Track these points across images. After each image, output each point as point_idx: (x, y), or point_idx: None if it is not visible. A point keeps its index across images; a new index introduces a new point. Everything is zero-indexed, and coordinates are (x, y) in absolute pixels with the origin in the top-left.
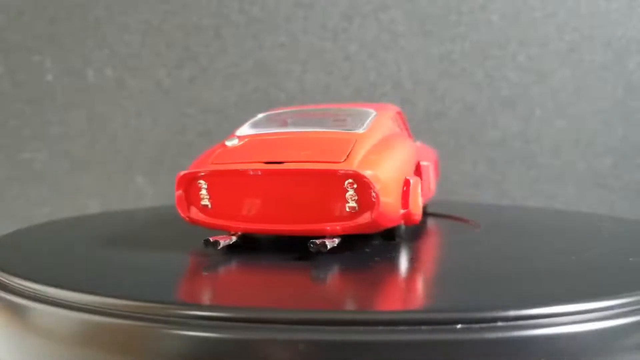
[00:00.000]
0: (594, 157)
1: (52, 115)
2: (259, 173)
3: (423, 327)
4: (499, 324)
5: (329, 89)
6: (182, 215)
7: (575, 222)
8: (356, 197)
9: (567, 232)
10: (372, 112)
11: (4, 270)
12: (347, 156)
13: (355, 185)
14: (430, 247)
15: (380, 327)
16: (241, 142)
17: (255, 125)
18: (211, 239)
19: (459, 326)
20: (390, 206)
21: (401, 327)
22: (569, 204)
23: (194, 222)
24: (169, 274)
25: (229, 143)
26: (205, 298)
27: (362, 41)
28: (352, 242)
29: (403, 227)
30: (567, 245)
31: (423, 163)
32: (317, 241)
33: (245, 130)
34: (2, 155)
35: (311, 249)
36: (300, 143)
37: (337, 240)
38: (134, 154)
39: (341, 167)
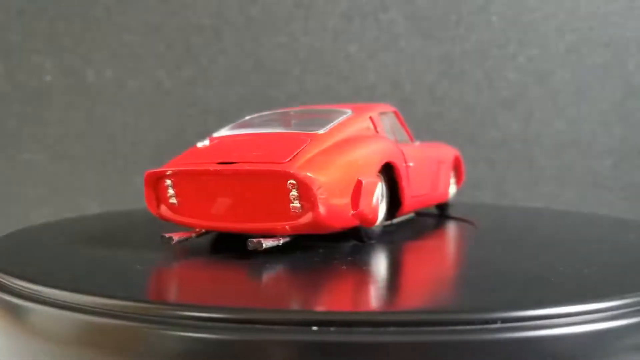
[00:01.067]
0: (593, 157)
1: (52, 116)
2: (210, 172)
3: (423, 328)
4: (499, 325)
5: (328, 90)
6: (152, 212)
7: (574, 222)
8: (299, 198)
9: (566, 232)
10: (346, 113)
11: (3, 271)
12: (293, 157)
13: (297, 186)
14: (411, 247)
15: (380, 329)
16: (211, 144)
17: (233, 127)
18: (166, 235)
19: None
20: (334, 207)
21: (392, 329)
22: (568, 204)
23: (164, 219)
24: (169, 274)
25: (199, 144)
26: (205, 298)
27: (361, 42)
28: (315, 243)
29: (376, 229)
30: (566, 246)
31: (409, 164)
32: (255, 240)
33: (221, 132)
34: (1, 155)
35: (249, 247)
36: (257, 144)
37: (283, 240)
38: (133, 154)
39: (282, 167)
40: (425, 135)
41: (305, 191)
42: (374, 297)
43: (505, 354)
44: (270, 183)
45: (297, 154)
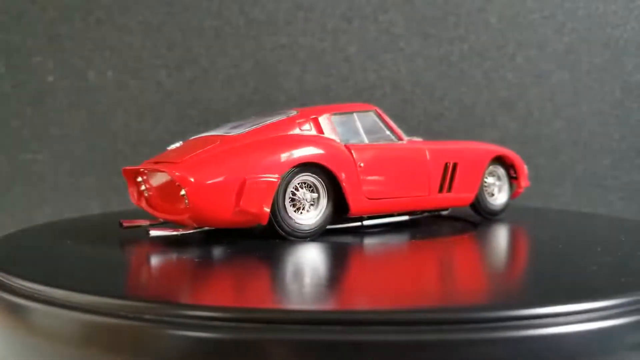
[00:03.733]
0: (592, 157)
1: (53, 116)
2: (143, 171)
3: (422, 328)
4: (498, 324)
5: (328, 90)
6: (134, 203)
7: (573, 222)
8: (185, 194)
9: (565, 232)
10: (284, 115)
11: (4, 270)
12: (188, 159)
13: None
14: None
15: (380, 327)
16: (178, 145)
17: (208, 130)
18: (121, 221)
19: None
20: (215, 203)
21: (393, 328)
22: (567, 204)
23: (145, 210)
24: (170, 274)
25: (172, 146)
26: (206, 297)
27: (361, 43)
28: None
29: (305, 227)
30: (565, 246)
31: (359, 164)
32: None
33: (197, 135)
34: (3, 155)
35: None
36: (191, 146)
37: (182, 232)
38: (134, 154)
39: (169, 168)
40: (425, 136)
41: (185, 188)
42: (373, 296)
43: (503, 353)
44: (172, 181)
45: (194, 155)
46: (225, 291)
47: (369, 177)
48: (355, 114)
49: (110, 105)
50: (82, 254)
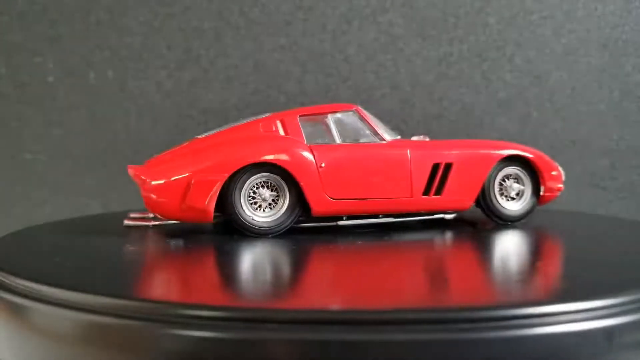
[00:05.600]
0: (590, 158)
1: (54, 116)
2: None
3: (422, 327)
4: (497, 323)
5: (328, 91)
6: None
7: (572, 222)
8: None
9: (564, 232)
10: (256, 117)
11: (4, 270)
12: (156, 158)
13: None
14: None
15: (380, 327)
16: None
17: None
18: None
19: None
20: (167, 200)
21: (391, 327)
22: (565, 204)
23: None
24: (170, 274)
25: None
26: (207, 297)
27: (361, 43)
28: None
29: (264, 224)
30: (564, 246)
31: (321, 165)
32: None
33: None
34: (3, 155)
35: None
36: (175, 147)
37: (153, 223)
38: (134, 154)
39: (132, 167)
40: (431, 135)
41: (140, 186)
42: (374, 295)
43: (502, 352)
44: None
45: (161, 155)
46: (226, 290)
47: (333, 177)
48: (330, 115)
49: (110, 106)
50: (82, 254)
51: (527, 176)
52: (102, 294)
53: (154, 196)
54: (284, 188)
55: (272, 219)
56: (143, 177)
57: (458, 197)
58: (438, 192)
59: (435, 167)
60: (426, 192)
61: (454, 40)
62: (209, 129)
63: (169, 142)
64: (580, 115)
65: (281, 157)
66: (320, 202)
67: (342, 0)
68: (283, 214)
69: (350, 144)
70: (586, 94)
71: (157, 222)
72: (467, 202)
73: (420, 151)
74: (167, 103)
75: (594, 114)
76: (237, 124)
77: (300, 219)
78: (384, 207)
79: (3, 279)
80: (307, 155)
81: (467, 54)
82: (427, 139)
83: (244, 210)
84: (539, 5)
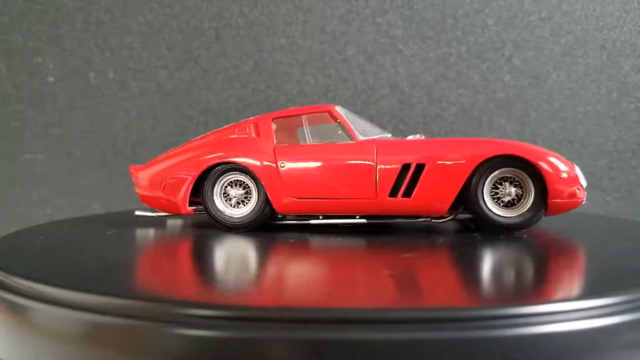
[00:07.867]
0: (588, 158)
1: (54, 117)
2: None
3: (422, 326)
4: (497, 322)
5: (327, 92)
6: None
7: (570, 222)
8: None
9: (562, 232)
10: (237, 122)
11: (4, 270)
12: (155, 159)
13: None
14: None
15: (380, 326)
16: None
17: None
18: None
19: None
20: (153, 195)
21: (392, 327)
22: None
23: None
24: (170, 274)
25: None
26: (205, 297)
27: (360, 44)
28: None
29: (238, 221)
30: (562, 245)
31: (281, 165)
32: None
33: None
34: (3, 156)
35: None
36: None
37: (157, 214)
38: (135, 155)
39: (132, 167)
40: (429, 135)
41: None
42: (370, 295)
43: (501, 351)
44: None
45: (160, 156)
46: (227, 290)
47: (294, 177)
48: (304, 117)
49: (110, 106)
50: (82, 254)
51: (530, 179)
52: (102, 294)
53: (141, 191)
54: (254, 186)
55: (243, 214)
56: (135, 174)
57: (431, 200)
58: (407, 194)
59: (406, 167)
60: (393, 193)
61: (453, 41)
62: (209, 129)
63: (169, 142)
64: (578, 115)
65: (243, 158)
66: (281, 201)
67: (342, 2)
68: (252, 210)
69: (314, 144)
70: (584, 94)
71: (161, 214)
72: (443, 206)
73: (388, 151)
74: (167, 103)
75: (592, 115)
76: (222, 127)
77: (279, 216)
78: (347, 208)
79: (3, 279)
80: (269, 155)
81: (466, 54)
82: (423, 137)
83: (216, 206)
84: (538, 7)
